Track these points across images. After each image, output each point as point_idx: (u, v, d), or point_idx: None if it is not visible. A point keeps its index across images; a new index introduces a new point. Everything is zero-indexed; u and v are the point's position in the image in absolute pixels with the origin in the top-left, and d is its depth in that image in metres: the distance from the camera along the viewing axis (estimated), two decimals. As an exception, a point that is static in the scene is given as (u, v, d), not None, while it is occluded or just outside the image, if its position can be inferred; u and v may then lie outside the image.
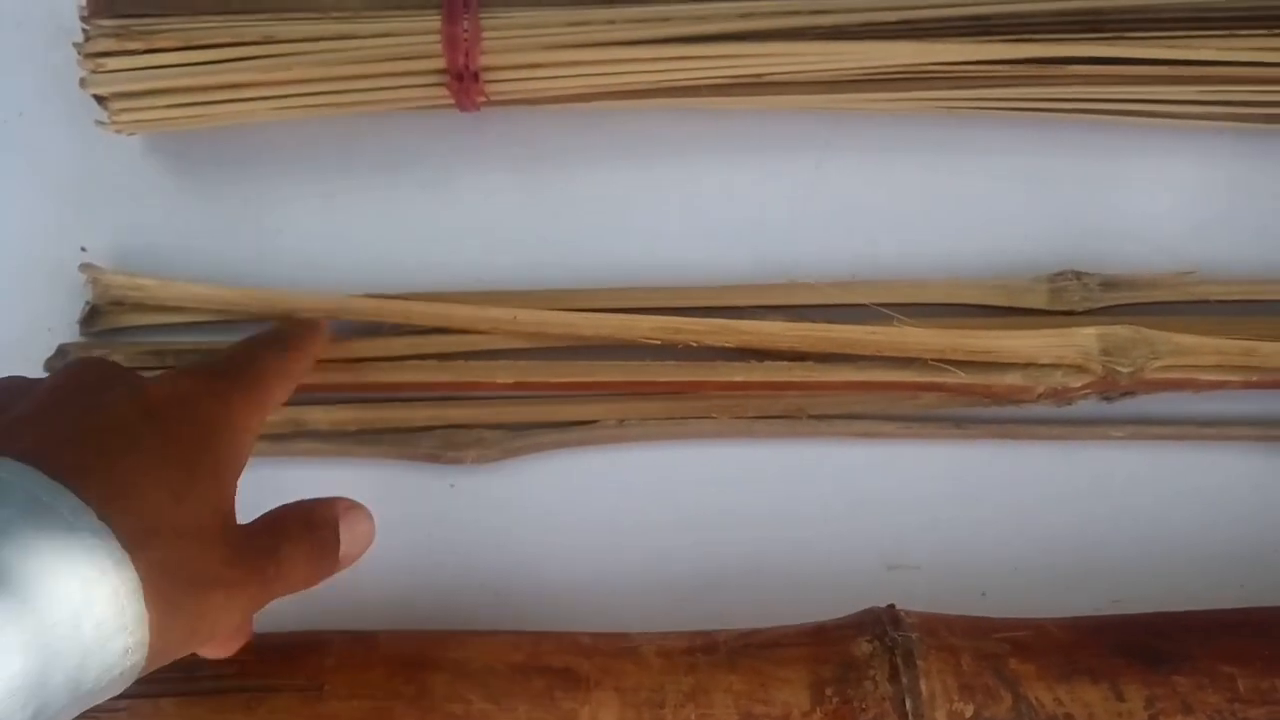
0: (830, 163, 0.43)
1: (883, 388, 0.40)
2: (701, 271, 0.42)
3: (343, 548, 0.33)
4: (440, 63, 0.38)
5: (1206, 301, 0.42)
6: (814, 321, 0.40)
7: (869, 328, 0.40)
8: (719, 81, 0.39)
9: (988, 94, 0.41)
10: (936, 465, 0.42)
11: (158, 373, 0.35)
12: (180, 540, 0.27)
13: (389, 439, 0.40)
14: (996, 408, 0.41)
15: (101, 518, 0.26)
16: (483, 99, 0.39)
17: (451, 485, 0.41)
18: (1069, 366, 0.40)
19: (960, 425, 0.42)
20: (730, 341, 0.40)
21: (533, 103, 0.40)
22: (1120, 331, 0.40)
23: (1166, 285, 0.42)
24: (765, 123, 0.43)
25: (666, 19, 0.38)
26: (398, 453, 0.40)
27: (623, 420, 0.41)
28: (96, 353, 0.40)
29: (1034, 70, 0.40)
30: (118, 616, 0.25)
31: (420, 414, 0.41)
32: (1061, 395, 0.40)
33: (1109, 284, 0.42)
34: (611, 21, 0.38)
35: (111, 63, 0.38)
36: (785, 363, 0.40)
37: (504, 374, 0.40)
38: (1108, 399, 0.42)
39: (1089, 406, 0.42)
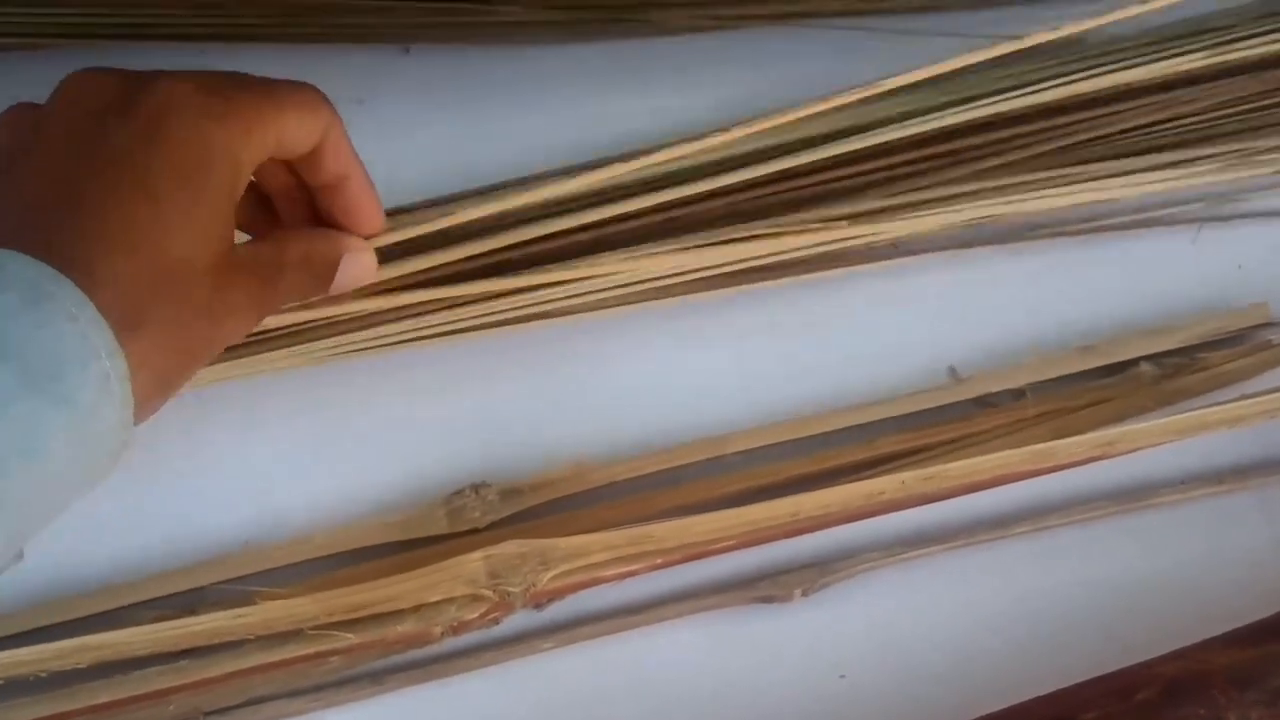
0: (204, 430, 0.41)
1: (275, 667, 0.37)
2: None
3: (335, 282, 0.34)
4: None
5: (614, 483, 0.41)
6: (186, 614, 0.37)
7: (234, 612, 0.36)
8: None
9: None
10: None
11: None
12: (181, 288, 0.28)
13: None
14: (415, 650, 0.39)
15: (98, 305, 0.26)
16: None
17: None
18: (463, 598, 0.38)
19: (379, 680, 0.39)
20: (85, 660, 0.36)
21: None
22: (507, 550, 0.38)
23: (564, 480, 0.41)
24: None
25: None
26: None
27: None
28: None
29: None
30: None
31: None
32: (464, 629, 0.38)
33: (509, 492, 0.41)
34: None
35: None
36: (157, 668, 0.36)
37: None
38: (538, 608, 0.40)
39: (522, 618, 0.40)
